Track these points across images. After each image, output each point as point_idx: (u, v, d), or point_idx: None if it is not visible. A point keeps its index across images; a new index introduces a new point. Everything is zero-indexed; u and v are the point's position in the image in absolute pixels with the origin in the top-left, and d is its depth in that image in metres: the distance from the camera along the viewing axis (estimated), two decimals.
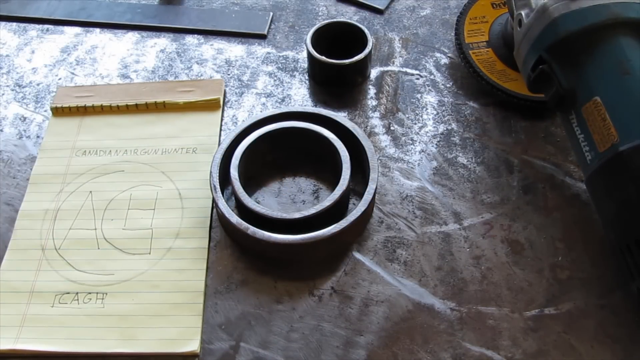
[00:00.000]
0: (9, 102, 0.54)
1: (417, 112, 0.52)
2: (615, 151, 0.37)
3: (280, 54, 0.57)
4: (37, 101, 0.54)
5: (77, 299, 0.42)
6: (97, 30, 0.60)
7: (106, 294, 0.42)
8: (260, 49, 0.58)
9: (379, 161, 0.48)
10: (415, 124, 0.51)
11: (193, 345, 0.39)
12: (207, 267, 0.43)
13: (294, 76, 0.55)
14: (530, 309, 0.40)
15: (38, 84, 0.54)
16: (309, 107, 0.52)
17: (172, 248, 0.44)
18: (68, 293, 0.42)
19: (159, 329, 0.40)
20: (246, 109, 0.53)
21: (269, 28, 0.59)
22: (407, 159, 0.49)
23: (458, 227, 0.44)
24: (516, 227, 0.44)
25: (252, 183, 0.47)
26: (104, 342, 0.40)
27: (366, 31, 0.52)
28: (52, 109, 0.53)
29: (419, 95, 0.53)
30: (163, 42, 0.59)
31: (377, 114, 0.52)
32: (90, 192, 0.47)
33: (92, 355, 0.40)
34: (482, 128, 0.50)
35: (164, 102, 0.52)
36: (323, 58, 0.51)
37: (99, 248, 0.44)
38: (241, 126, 0.47)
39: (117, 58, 0.53)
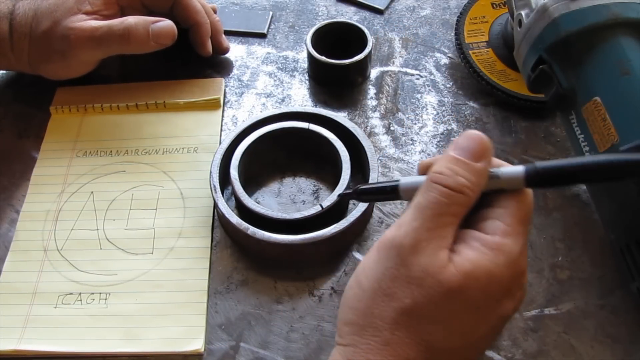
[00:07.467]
0: (10, 102, 0.54)
1: (417, 112, 0.52)
2: (615, 151, 0.37)
3: (280, 54, 0.57)
4: (37, 101, 0.54)
5: (80, 300, 0.42)
6: None
7: (109, 294, 0.42)
8: (260, 49, 0.58)
9: (379, 161, 0.48)
10: (415, 124, 0.51)
11: (197, 344, 0.39)
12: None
13: (294, 76, 0.55)
14: (530, 309, 0.40)
15: (38, 84, 0.54)
16: (309, 107, 0.52)
17: (175, 248, 0.44)
18: (71, 294, 0.42)
19: (163, 329, 0.40)
20: (246, 109, 0.53)
21: (269, 28, 0.59)
22: (407, 159, 0.49)
23: None
24: None
25: (252, 183, 0.47)
26: (107, 342, 0.40)
27: (366, 31, 0.52)
28: (52, 109, 0.53)
29: (419, 96, 0.53)
30: None
31: (377, 114, 0.52)
32: (92, 192, 0.48)
33: (96, 355, 0.40)
34: (482, 128, 0.50)
35: (164, 102, 0.52)
36: (323, 58, 0.52)
37: (101, 248, 0.44)
38: (241, 126, 0.47)
39: (116, 58, 0.53)
